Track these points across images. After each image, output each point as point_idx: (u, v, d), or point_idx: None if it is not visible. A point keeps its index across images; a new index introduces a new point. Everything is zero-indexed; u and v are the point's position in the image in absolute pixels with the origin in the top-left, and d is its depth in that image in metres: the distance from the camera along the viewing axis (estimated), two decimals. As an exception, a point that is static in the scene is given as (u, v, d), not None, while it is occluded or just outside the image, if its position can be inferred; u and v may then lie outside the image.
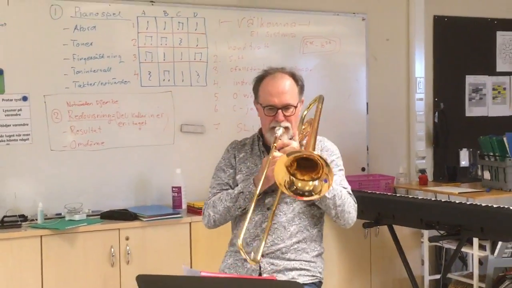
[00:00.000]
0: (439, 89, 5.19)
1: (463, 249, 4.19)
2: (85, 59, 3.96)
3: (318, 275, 2.62)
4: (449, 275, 4.47)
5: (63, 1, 3.90)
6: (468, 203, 3.88)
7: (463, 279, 4.46)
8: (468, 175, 4.95)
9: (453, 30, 5.23)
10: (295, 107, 2.58)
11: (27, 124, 3.84)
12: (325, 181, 2.31)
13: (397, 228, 4.01)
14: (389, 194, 4.34)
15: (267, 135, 2.63)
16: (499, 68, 5.45)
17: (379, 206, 3.95)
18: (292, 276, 2.55)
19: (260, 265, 2.55)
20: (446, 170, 4.92)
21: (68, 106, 3.93)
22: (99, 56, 4.00)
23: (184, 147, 4.24)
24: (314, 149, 2.43)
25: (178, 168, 4.06)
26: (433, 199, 4.13)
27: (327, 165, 2.28)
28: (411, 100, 5.06)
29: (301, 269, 2.57)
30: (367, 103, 4.87)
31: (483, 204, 3.54)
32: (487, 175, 4.53)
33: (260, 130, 2.72)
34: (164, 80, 4.18)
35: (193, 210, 3.98)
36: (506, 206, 3.43)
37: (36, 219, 3.68)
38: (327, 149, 2.64)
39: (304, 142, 2.62)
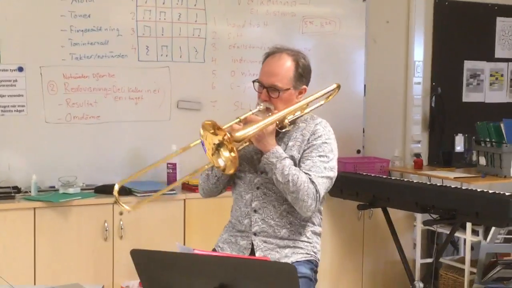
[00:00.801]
0: (437, 73, 5.17)
1: (456, 234, 4.21)
2: (82, 31, 3.92)
3: (313, 253, 2.61)
4: (440, 259, 4.50)
5: (62, -28, 3.84)
6: (463, 188, 3.88)
7: (454, 264, 4.49)
8: (463, 160, 4.96)
9: (454, 15, 5.21)
10: (284, 90, 2.54)
11: (22, 95, 3.81)
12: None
13: (391, 211, 4.02)
14: (384, 177, 4.34)
15: None
16: (497, 54, 5.43)
17: (374, 188, 3.95)
18: (285, 253, 2.55)
19: (252, 242, 2.57)
20: (441, 155, 4.92)
21: (64, 78, 3.90)
22: (97, 28, 3.96)
23: (180, 123, 4.21)
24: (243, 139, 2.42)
25: (173, 144, 4.03)
26: (428, 183, 4.13)
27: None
28: (408, 83, 5.05)
29: (294, 247, 2.57)
30: (364, 86, 4.85)
31: (479, 190, 3.55)
32: (482, 160, 4.54)
33: None
34: (162, 55, 4.14)
35: (188, 187, 3.97)
36: (501, 192, 3.44)
37: (30, 191, 3.66)
38: (315, 132, 2.58)
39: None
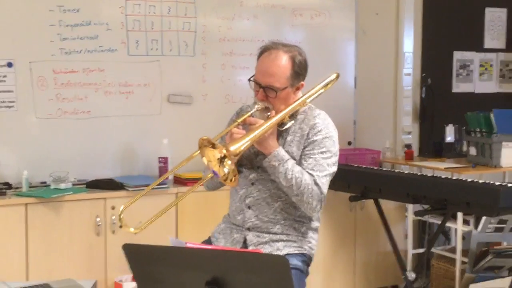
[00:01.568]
0: (427, 64, 5.19)
1: (447, 224, 4.23)
2: (71, 26, 3.90)
3: (307, 247, 2.61)
4: (432, 250, 4.52)
5: (50, -34, 3.82)
6: (454, 178, 3.90)
7: (446, 253, 4.51)
8: (453, 150, 4.98)
9: (443, 5, 5.22)
10: (281, 90, 2.51)
11: (12, 91, 3.79)
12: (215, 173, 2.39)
13: (382, 202, 4.03)
14: (375, 168, 4.35)
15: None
16: (486, 45, 5.46)
17: (366, 180, 3.96)
18: (277, 247, 2.55)
19: (245, 237, 2.57)
20: (432, 146, 4.94)
21: (54, 73, 3.88)
22: (86, 23, 3.94)
23: (171, 117, 4.21)
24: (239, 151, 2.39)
25: (165, 138, 4.03)
26: (419, 173, 4.15)
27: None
28: (399, 75, 5.06)
29: (287, 241, 2.57)
30: (355, 77, 4.86)
31: (469, 180, 3.56)
32: (473, 151, 4.56)
33: None
34: (152, 49, 4.13)
35: (180, 181, 3.97)
36: (491, 182, 3.45)
37: (21, 187, 3.64)
38: (314, 127, 2.55)
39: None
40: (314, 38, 4.64)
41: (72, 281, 2.75)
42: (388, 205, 4.29)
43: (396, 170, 4.37)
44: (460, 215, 4.13)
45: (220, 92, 4.34)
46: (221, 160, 2.36)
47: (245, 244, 2.57)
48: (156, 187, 3.73)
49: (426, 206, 3.73)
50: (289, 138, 2.56)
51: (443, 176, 3.80)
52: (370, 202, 4.14)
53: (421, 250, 4.66)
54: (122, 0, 4.02)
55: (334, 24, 4.71)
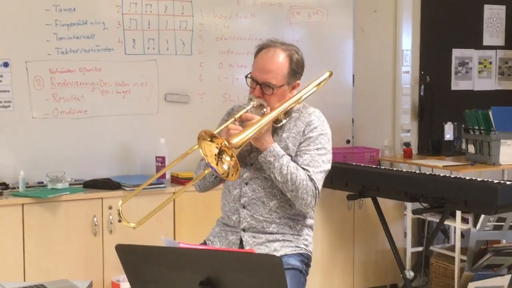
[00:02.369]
0: (425, 62, 5.17)
1: (446, 222, 4.22)
2: (68, 25, 3.89)
3: (303, 246, 2.60)
4: (431, 248, 4.51)
5: (46, -35, 3.81)
6: (452, 176, 3.89)
7: (445, 252, 4.50)
8: (452, 148, 4.97)
9: (441, 3, 5.21)
10: (278, 87, 2.52)
11: (8, 91, 3.78)
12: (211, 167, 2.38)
13: (381, 201, 4.02)
14: (373, 166, 4.34)
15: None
16: (485, 42, 5.44)
17: (364, 178, 3.95)
18: (274, 248, 2.54)
19: (242, 238, 2.56)
20: (430, 144, 4.93)
21: (51, 73, 3.87)
22: (82, 22, 3.93)
23: (169, 116, 4.20)
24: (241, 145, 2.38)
25: (162, 137, 4.02)
26: (417, 172, 4.14)
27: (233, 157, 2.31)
28: (397, 72, 5.05)
29: (284, 241, 2.56)
30: (353, 75, 4.85)
31: (467, 178, 3.55)
32: (471, 148, 4.54)
33: None
34: (148, 48, 4.12)
35: (177, 180, 3.96)
36: (489, 180, 3.44)
37: (18, 187, 3.63)
38: (310, 123, 2.55)
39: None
40: (312, 36, 4.63)
41: (67, 281, 2.74)
42: (387, 204, 4.28)
43: (394, 169, 4.36)
44: (459, 213, 4.11)
45: (218, 91, 4.33)
46: (219, 154, 2.36)
47: (241, 245, 2.56)
48: (153, 186, 3.76)
49: (424, 204, 3.72)
50: (284, 135, 2.56)
51: (441, 174, 3.79)
52: (368, 201, 4.14)
53: (420, 249, 4.65)
54: (118, -1, 4.01)
55: (332, 22, 4.69)
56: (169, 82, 4.19)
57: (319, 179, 2.50)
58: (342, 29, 4.77)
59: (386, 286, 4.67)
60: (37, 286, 2.65)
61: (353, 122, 4.88)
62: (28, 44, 3.80)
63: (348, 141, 4.85)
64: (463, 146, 4.75)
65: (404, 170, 4.13)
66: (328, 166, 2.56)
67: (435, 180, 3.61)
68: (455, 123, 4.99)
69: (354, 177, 4.00)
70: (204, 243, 2.69)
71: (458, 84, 5.35)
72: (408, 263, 4.53)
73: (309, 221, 2.65)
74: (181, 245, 2.07)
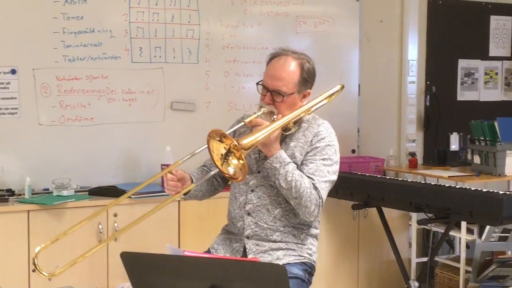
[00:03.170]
0: (431, 72, 5.17)
1: (451, 233, 4.21)
2: (75, 33, 3.91)
3: (307, 255, 2.60)
4: (436, 258, 4.50)
5: (54, -26, 3.84)
6: (457, 186, 3.88)
7: (450, 263, 4.48)
8: (458, 159, 4.96)
9: (447, 13, 5.21)
10: (288, 95, 2.53)
11: (16, 98, 3.80)
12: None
13: (386, 211, 4.02)
14: (378, 176, 4.34)
15: None
16: (491, 53, 5.44)
17: (369, 188, 3.95)
18: (277, 256, 2.54)
19: (245, 246, 2.56)
20: (436, 154, 4.92)
21: (58, 80, 3.89)
22: (90, 30, 3.95)
23: (174, 124, 4.21)
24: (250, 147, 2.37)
25: (168, 145, 4.03)
26: (422, 182, 4.13)
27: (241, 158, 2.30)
28: (403, 82, 5.05)
29: (287, 249, 2.56)
30: (359, 85, 4.85)
31: (473, 188, 3.55)
32: (477, 159, 4.54)
33: None
34: (155, 56, 4.14)
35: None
36: (495, 191, 3.44)
37: (24, 194, 3.65)
38: (318, 134, 2.57)
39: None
40: (318, 46, 4.64)
41: (72, 288, 2.75)
42: (392, 214, 4.28)
43: (399, 179, 4.35)
44: (464, 224, 4.10)
45: (224, 99, 4.34)
46: (226, 155, 2.36)
47: (245, 253, 2.56)
48: (157, 195, 3.77)
49: (429, 215, 3.72)
50: (292, 144, 2.57)
51: (446, 185, 3.78)
52: (373, 210, 4.13)
53: (425, 259, 4.64)
54: (125, 8, 4.03)
55: (338, 32, 4.70)
56: (175, 90, 4.21)
57: (324, 188, 2.50)
58: (348, 39, 4.77)
59: (391, 297, 4.66)
60: (41, 293, 2.65)
61: (358, 131, 4.88)
62: (36, 52, 3.83)
63: (353, 151, 4.85)
64: (469, 157, 4.74)
65: (409, 180, 4.13)
66: (333, 177, 2.56)
67: (441, 191, 3.61)
68: (461, 134, 4.98)
69: (359, 186, 4.00)
70: (208, 251, 2.69)
71: (464, 95, 5.35)
72: (412, 274, 4.51)
73: (314, 231, 2.65)
74: (186, 253, 2.07)
